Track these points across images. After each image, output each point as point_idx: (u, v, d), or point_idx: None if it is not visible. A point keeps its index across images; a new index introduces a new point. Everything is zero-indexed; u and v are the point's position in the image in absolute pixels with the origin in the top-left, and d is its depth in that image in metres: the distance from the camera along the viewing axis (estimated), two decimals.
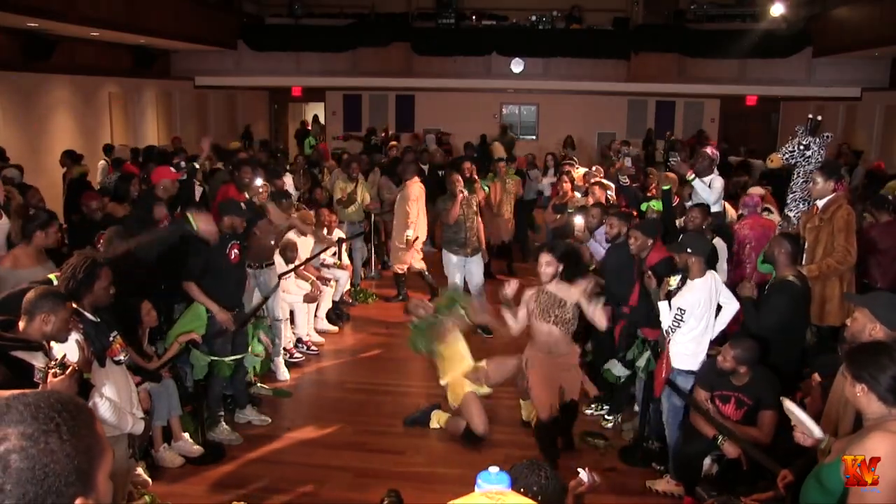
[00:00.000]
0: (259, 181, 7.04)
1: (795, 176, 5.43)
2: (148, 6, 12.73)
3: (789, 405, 2.88)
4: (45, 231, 4.50)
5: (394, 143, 13.04)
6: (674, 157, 6.96)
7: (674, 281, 4.41)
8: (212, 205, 7.66)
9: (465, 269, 7.39)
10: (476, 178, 8.38)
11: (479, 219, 7.55)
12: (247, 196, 7.15)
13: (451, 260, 7.37)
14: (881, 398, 2.38)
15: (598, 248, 5.94)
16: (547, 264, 4.68)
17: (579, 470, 2.51)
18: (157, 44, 14.40)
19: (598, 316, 4.66)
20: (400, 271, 8.38)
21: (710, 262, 4.60)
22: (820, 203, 5.06)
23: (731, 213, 6.88)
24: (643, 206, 6.72)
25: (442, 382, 5.36)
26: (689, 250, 4.30)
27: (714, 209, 6.54)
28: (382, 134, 16.84)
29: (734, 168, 11.36)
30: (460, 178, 7.48)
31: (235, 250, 5.16)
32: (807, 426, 2.76)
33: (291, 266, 6.53)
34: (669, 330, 4.36)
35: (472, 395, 5.16)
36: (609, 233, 5.50)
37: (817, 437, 2.71)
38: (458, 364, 5.31)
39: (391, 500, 3.96)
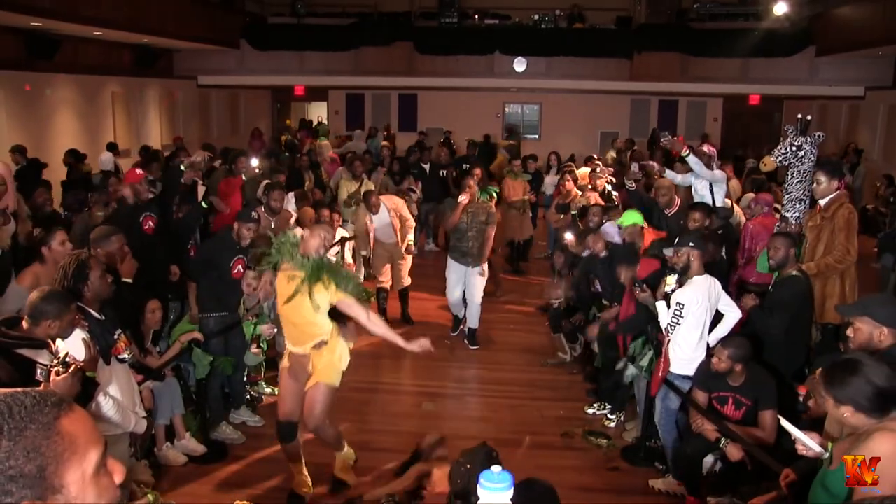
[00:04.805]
0: (254, 161, 7.09)
1: (790, 177, 5.42)
2: (151, 6, 12.75)
3: (786, 425, 2.86)
4: (49, 246, 4.40)
5: (324, 143, 12.96)
6: (665, 136, 6.91)
7: (671, 280, 4.41)
8: (214, 200, 7.74)
9: (465, 280, 7.00)
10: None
11: (490, 230, 6.92)
12: (243, 178, 7.20)
13: (452, 266, 7.05)
14: (868, 416, 2.38)
15: (612, 231, 5.97)
16: None
17: None
18: (159, 43, 14.42)
19: None
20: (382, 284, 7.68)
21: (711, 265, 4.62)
22: (822, 202, 5.06)
23: (739, 212, 6.88)
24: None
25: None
26: (691, 244, 4.32)
27: (718, 203, 6.54)
28: (384, 133, 16.86)
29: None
30: (474, 184, 6.95)
31: (240, 266, 5.20)
32: (806, 444, 2.75)
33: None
34: (669, 328, 4.37)
35: (284, 372, 4.26)
36: (598, 248, 5.57)
37: (817, 452, 2.70)
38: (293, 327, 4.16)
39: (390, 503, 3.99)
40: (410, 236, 7.67)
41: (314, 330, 4.05)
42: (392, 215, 7.47)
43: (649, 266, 4.88)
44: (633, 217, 5.86)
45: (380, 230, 7.55)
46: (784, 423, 2.89)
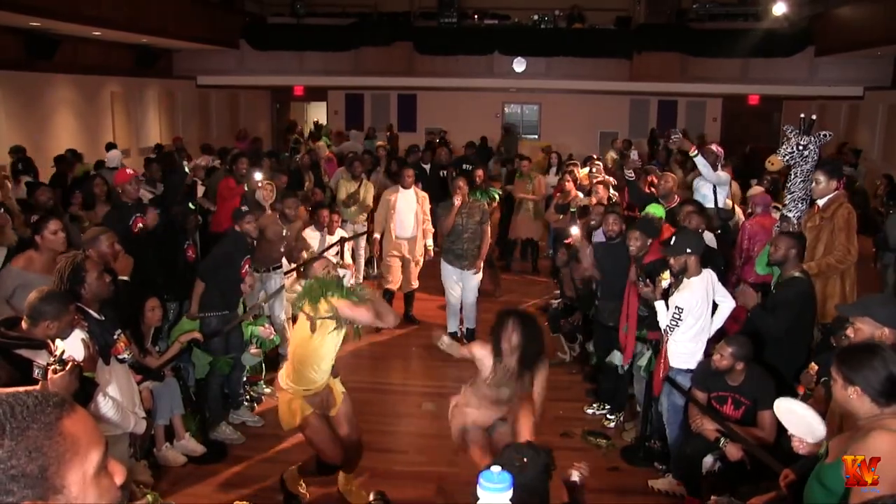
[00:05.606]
0: (258, 175, 7.09)
1: (793, 176, 5.42)
2: (151, 6, 12.75)
3: (784, 404, 2.84)
4: (41, 234, 4.37)
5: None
6: (675, 133, 6.90)
7: (666, 275, 4.40)
8: (201, 200, 7.75)
9: (462, 282, 6.94)
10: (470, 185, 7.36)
11: (486, 228, 6.94)
12: (245, 188, 7.21)
13: (447, 270, 6.96)
14: (874, 400, 2.39)
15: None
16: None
17: (573, 471, 2.50)
18: (159, 43, 14.42)
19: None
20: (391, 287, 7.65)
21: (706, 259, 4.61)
22: (821, 202, 5.06)
23: (739, 213, 6.88)
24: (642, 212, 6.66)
25: (281, 383, 4.07)
26: (688, 251, 4.31)
27: (720, 204, 6.54)
28: (386, 133, 16.85)
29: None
30: (464, 185, 6.89)
31: (247, 266, 5.28)
32: (808, 422, 2.74)
33: (293, 266, 6.54)
34: (668, 329, 4.37)
35: (315, 417, 3.98)
36: (611, 230, 5.50)
37: (819, 436, 2.69)
38: (310, 364, 3.93)
39: (378, 501, 4.01)
40: (430, 241, 7.61)
41: (332, 361, 4.03)
42: (419, 203, 7.47)
43: (655, 254, 4.89)
44: (657, 210, 5.91)
45: (402, 214, 7.43)
46: (783, 403, 2.85)
